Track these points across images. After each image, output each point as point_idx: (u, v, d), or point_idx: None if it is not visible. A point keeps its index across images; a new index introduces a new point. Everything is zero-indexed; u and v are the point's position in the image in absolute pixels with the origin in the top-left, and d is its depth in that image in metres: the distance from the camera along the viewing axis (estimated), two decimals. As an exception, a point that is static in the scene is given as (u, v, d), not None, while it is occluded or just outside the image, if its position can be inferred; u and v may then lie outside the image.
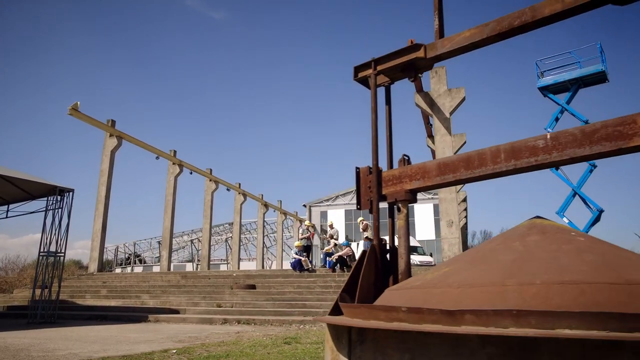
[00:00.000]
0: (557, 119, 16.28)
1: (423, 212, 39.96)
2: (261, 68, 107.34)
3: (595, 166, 15.31)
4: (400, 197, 3.29)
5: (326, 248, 15.07)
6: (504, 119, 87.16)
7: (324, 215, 43.49)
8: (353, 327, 2.22)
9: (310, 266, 14.15)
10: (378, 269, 3.18)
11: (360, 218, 16.26)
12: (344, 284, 9.11)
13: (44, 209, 10.28)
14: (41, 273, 9.52)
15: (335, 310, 2.74)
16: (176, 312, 10.56)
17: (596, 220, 14.71)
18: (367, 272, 3.02)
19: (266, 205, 32.81)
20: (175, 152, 23.09)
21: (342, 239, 17.31)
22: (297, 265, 13.85)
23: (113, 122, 19.15)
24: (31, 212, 10.84)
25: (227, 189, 27.93)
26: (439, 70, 15.42)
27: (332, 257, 13.81)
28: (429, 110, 15.21)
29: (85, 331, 7.29)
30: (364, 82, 3.95)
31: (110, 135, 19.12)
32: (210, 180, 25.92)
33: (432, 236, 38.28)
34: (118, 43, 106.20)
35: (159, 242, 56.30)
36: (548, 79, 16.13)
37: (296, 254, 14.21)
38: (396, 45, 3.49)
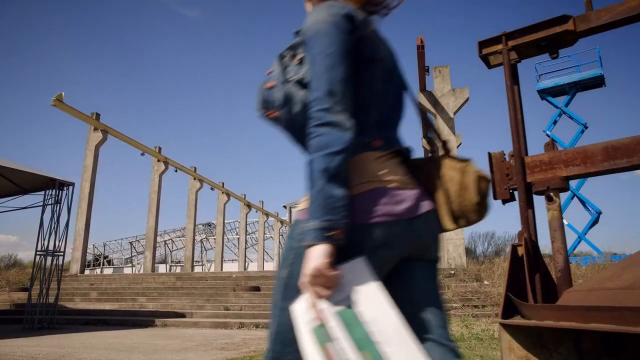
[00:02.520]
0: (555, 122, 16.50)
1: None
2: (242, 67, 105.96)
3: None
4: (554, 185, 2.91)
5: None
6: (499, 121, 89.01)
7: (304, 216, 43.08)
8: (586, 332, 1.85)
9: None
10: (531, 266, 2.82)
11: None
12: None
13: (40, 204, 9.46)
14: (38, 274, 8.70)
15: (507, 313, 2.37)
16: (182, 315, 9.91)
17: (595, 222, 14.96)
18: (530, 270, 2.67)
19: (249, 206, 32.11)
20: (160, 148, 22.19)
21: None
22: (300, 266, 13.37)
23: (98, 115, 18.15)
24: (23, 208, 9.95)
25: (212, 188, 27.11)
26: (442, 69, 15.33)
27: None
28: (432, 109, 15.07)
29: (103, 337, 6.62)
30: (486, 59, 3.58)
31: (95, 129, 18.11)
32: (194, 179, 25.07)
33: (413, 238, 38.39)
34: (100, 42, 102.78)
35: (131, 243, 54.40)
36: (547, 82, 16.33)
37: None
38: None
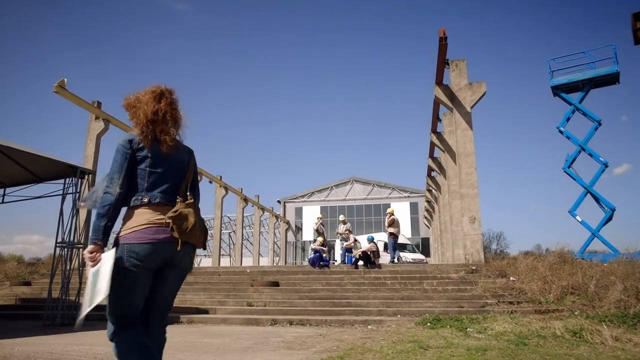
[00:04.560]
0: (568, 119, 16.44)
1: (399, 211, 40.00)
2: (236, 63, 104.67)
3: (607, 165, 15.63)
4: None
5: (346, 244, 14.38)
6: (510, 117, 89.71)
7: (298, 211, 42.67)
8: None
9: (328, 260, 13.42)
10: None
11: (390, 210, 15.61)
12: (375, 280, 8.30)
13: (54, 193, 8.94)
14: (60, 267, 8.19)
15: None
16: (205, 311, 9.50)
17: (609, 219, 14.95)
18: None
19: (246, 200, 31.58)
20: (160, 139, 21.51)
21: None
22: (317, 261, 13.06)
23: (99, 104, 17.43)
24: (37, 197, 9.32)
25: (210, 182, 26.53)
26: (459, 63, 15.08)
27: (355, 253, 13.12)
28: (449, 103, 14.84)
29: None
30: (636, 35, 3.27)
31: (96, 118, 17.41)
32: (193, 172, 24.43)
33: (408, 234, 38.35)
34: (94, 36, 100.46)
35: (119, 237, 53.37)
36: (561, 78, 16.25)
37: (315, 251, 13.39)
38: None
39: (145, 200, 2.11)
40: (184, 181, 2.30)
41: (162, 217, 2.10)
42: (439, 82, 15.07)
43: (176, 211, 2.11)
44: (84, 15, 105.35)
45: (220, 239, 28.54)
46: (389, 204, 40.67)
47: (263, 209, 35.51)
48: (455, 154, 19.02)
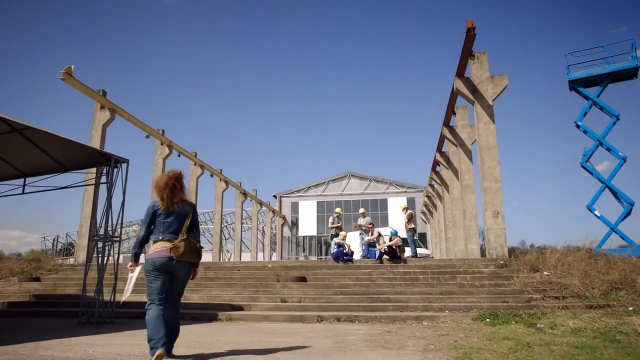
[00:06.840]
0: (585, 114, 16.39)
1: (396, 206, 39.88)
2: (236, 60, 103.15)
3: (625, 160, 15.62)
4: None
5: (367, 238, 14.08)
6: (523, 113, 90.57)
7: (294, 206, 42.23)
8: None
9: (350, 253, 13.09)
10: None
11: (404, 205, 15.31)
12: (406, 275, 8.02)
13: (83, 182, 8.40)
14: (96, 262, 7.67)
15: None
16: (240, 308, 9.08)
17: (628, 213, 14.95)
18: None
19: (245, 194, 31.05)
20: (163, 131, 20.90)
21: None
22: (340, 256, 12.73)
23: (104, 92, 16.76)
24: (63, 188, 8.72)
25: (211, 175, 25.96)
26: (480, 55, 14.86)
27: (380, 247, 12.83)
28: (470, 96, 14.62)
29: (199, 334, 5.77)
30: None
31: (102, 107, 16.75)
32: (195, 165, 23.88)
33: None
34: (89, 32, 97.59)
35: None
36: (580, 72, 16.19)
37: (338, 245, 13.04)
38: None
39: (161, 237, 3.83)
40: (184, 225, 3.90)
41: (168, 246, 3.76)
42: (460, 74, 14.83)
43: (174, 244, 3.75)
44: (84, 15, 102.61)
45: (221, 234, 27.98)
46: (386, 199, 40.60)
47: (261, 204, 35.00)
48: (467, 148, 18.90)
